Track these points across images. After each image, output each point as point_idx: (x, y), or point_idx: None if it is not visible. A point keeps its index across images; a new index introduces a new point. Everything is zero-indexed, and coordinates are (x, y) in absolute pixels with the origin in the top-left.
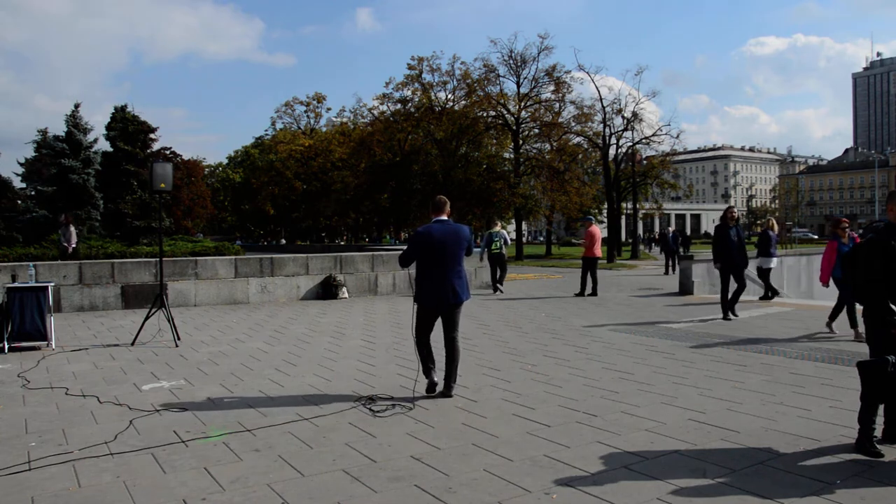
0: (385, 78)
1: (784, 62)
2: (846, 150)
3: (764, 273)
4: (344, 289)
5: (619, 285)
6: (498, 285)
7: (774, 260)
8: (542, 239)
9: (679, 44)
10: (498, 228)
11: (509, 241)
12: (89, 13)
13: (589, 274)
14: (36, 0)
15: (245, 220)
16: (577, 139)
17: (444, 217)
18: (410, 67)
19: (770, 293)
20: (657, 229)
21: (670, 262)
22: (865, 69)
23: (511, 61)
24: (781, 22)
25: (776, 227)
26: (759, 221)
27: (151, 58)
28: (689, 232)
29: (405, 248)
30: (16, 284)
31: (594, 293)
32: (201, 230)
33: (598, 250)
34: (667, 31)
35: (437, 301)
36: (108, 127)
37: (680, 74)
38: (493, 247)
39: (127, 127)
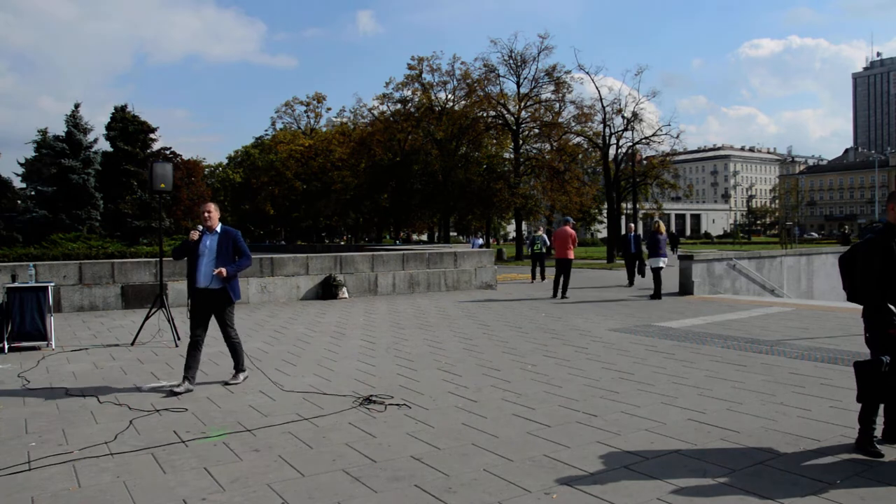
0: (385, 79)
1: (780, 64)
2: (846, 151)
3: (655, 272)
4: (344, 289)
5: (619, 286)
6: (539, 278)
7: (664, 260)
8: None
9: (675, 47)
10: (540, 233)
11: (548, 242)
12: (94, 16)
13: (562, 276)
14: (41, 3)
15: (245, 220)
16: (577, 139)
17: None
18: (410, 67)
19: (655, 293)
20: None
21: (634, 271)
22: (865, 69)
23: (511, 61)
24: (776, 25)
25: (664, 230)
26: (758, 221)
27: (155, 59)
28: (688, 232)
29: (246, 246)
30: (16, 284)
31: (564, 295)
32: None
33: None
34: (662, 34)
35: None
36: (108, 127)
37: (677, 76)
38: (535, 247)
39: (127, 127)
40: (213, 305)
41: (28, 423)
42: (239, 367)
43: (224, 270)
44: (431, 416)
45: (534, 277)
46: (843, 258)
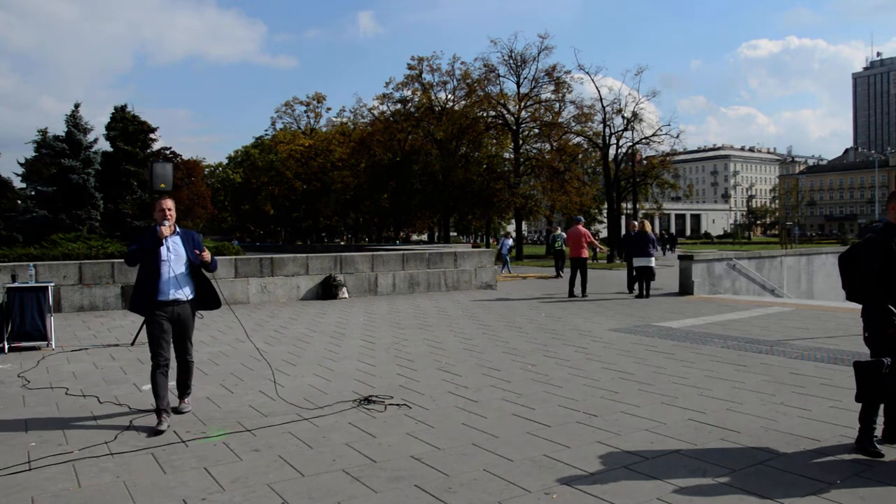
0: (385, 79)
1: (779, 64)
2: (846, 150)
3: (644, 271)
4: (344, 289)
5: (619, 285)
6: (561, 273)
7: (653, 259)
8: (541, 240)
9: (673, 48)
10: (559, 231)
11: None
12: (96, 17)
13: (579, 275)
14: (43, 4)
15: (245, 220)
16: (577, 139)
17: None
18: (410, 67)
19: (646, 292)
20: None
21: (634, 274)
22: (865, 69)
23: (511, 61)
24: (773, 26)
25: (649, 228)
26: (758, 222)
27: (156, 60)
28: (688, 232)
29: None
30: (16, 284)
31: (584, 294)
32: (201, 230)
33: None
34: (660, 35)
35: None
36: (108, 127)
37: (675, 77)
38: (556, 245)
39: (127, 127)
40: (182, 319)
41: (28, 423)
42: (187, 391)
43: (208, 254)
44: (431, 416)
45: (558, 274)
46: (842, 257)
